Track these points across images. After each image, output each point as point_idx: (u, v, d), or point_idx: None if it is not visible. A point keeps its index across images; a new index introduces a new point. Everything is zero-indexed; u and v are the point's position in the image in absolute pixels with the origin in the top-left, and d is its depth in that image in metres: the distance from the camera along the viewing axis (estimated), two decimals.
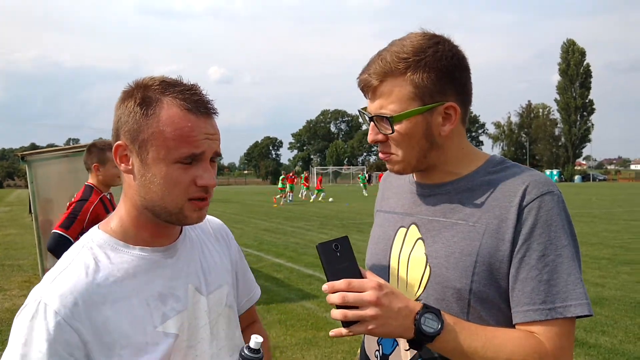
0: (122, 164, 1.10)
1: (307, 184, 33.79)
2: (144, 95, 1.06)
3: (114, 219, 1.15)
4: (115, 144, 1.09)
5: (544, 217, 1.12)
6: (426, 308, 1.06)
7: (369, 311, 1.03)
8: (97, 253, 1.09)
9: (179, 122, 1.04)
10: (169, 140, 1.04)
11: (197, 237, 1.27)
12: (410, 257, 1.24)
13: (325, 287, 1.07)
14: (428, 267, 1.19)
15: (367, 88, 1.21)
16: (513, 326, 1.13)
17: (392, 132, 1.18)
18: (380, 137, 1.22)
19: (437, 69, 1.16)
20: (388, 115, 1.17)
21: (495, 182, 1.19)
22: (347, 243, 1.11)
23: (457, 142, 1.25)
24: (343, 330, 1.06)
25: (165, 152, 1.04)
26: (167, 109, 1.05)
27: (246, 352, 1.11)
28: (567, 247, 1.11)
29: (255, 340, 1.11)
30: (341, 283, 1.05)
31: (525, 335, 1.09)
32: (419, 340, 1.06)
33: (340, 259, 1.09)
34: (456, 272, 1.15)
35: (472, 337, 1.08)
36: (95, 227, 1.17)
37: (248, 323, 1.46)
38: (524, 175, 1.18)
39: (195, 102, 1.06)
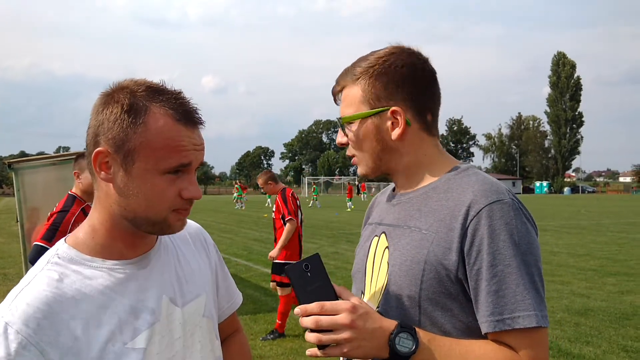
0: (102, 172, 1.04)
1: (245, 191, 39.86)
2: (132, 101, 1.02)
3: (84, 230, 1.11)
4: (95, 150, 1.03)
5: (492, 228, 1.10)
6: (401, 327, 1.06)
7: (343, 334, 1.03)
8: (62, 268, 1.04)
9: (169, 132, 1.01)
10: (158, 150, 1.01)
11: (172, 245, 1.22)
12: (380, 266, 1.26)
13: (297, 310, 1.06)
14: (387, 277, 1.21)
15: (333, 94, 1.33)
16: (476, 332, 1.13)
17: (347, 135, 1.29)
18: (344, 139, 1.31)
19: (385, 77, 1.23)
20: (340, 118, 1.29)
21: (450, 190, 1.20)
22: (317, 261, 1.09)
23: (418, 148, 1.27)
24: (318, 352, 1.06)
25: (153, 162, 1.01)
26: (156, 118, 1.01)
27: None
28: (515, 256, 1.09)
29: None
30: (314, 306, 1.04)
31: (499, 347, 1.09)
32: None
33: (312, 279, 1.07)
34: (406, 279, 1.16)
35: (448, 354, 1.08)
36: (62, 240, 1.11)
37: (230, 332, 1.42)
38: (476, 184, 1.18)
39: (184, 112, 1.04)
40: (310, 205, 35.24)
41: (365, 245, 1.35)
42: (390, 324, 1.08)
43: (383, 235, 1.29)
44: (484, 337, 1.12)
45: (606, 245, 13.46)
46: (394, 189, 1.38)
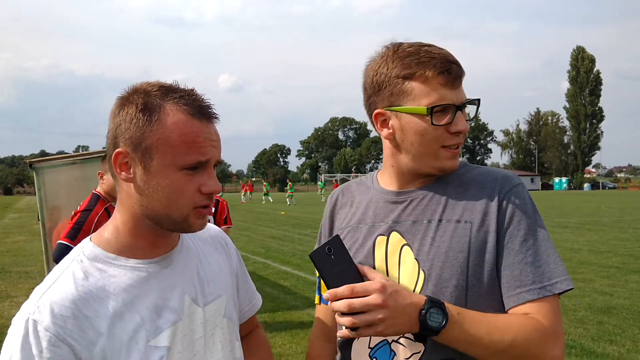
0: (123, 172, 1.05)
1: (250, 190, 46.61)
2: (146, 101, 1.03)
3: (109, 230, 1.12)
4: (114, 152, 1.05)
5: (520, 206, 1.20)
6: (431, 302, 1.07)
7: (377, 315, 1.02)
8: (87, 266, 1.06)
9: (185, 127, 1.02)
10: (176, 147, 1.02)
11: (194, 246, 1.23)
12: (400, 265, 1.23)
13: (326, 295, 1.05)
14: (422, 272, 1.19)
15: (458, 76, 1.21)
16: (498, 311, 1.16)
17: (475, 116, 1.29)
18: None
19: None
20: (479, 99, 1.25)
21: (468, 181, 1.26)
22: (339, 243, 1.08)
23: None
24: (350, 334, 1.05)
25: (171, 158, 1.02)
26: (171, 115, 1.02)
27: None
28: (542, 230, 1.19)
29: None
30: (344, 290, 1.03)
31: (523, 316, 1.13)
32: (425, 334, 1.07)
33: (335, 262, 1.07)
34: (451, 270, 1.17)
35: (477, 325, 1.09)
36: (88, 238, 1.13)
37: (249, 330, 1.43)
38: (494, 172, 1.27)
39: (198, 107, 1.05)
40: (288, 204, 35.14)
41: (366, 247, 1.29)
42: (420, 299, 1.08)
43: (395, 233, 1.26)
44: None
45: (629, 242, 13.20)
46: (363, 186, 1.39)
